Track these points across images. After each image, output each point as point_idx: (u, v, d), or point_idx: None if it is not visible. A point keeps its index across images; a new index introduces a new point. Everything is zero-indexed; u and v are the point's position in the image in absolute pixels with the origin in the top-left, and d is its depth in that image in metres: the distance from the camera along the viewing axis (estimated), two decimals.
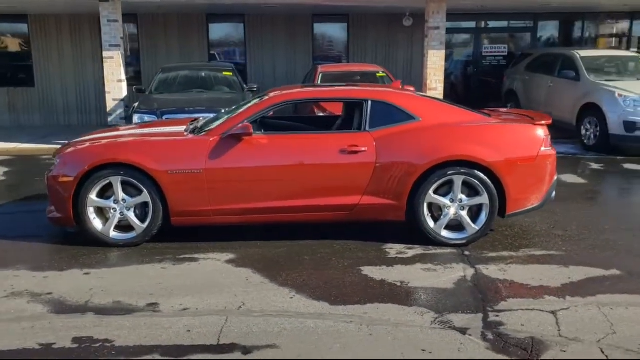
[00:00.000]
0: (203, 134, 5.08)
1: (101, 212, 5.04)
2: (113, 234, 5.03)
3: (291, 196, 4.99)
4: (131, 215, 5.00)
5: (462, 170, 4.91)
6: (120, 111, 10.41)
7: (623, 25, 15.21)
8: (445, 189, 5.01)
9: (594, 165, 8.72)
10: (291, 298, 3.98)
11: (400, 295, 4.04)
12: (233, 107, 5.97)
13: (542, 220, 5.70)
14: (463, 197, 4.98)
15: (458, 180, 4.94)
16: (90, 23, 13.28)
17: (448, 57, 14.80)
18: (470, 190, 5.01)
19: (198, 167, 4.91)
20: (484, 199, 4.96)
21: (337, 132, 5.18)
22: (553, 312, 3.73)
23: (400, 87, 7.45)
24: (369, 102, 5.12)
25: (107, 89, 10.40)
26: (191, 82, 9.81)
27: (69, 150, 5.16)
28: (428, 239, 5.03)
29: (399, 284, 4.23)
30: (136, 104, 8.72)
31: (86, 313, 3.75)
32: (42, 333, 3.47)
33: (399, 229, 5.35)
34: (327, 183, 4.98)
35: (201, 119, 5.97)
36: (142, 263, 4.68)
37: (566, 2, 12.39)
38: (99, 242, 5.02)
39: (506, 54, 14.90)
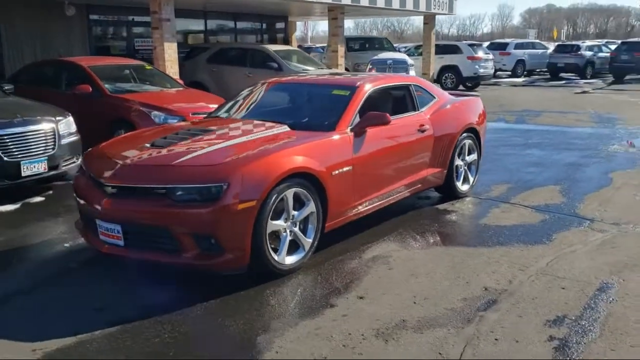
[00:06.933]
0: (332, 130, 4.65)
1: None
2: (287, 259, 4.12)
3: (401, 176, 5.28)
4: (298, 232, 4.21)
5: (471, 135, 6.22)
6: None
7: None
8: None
9: None
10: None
11: (550, 230, 5.16)
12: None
13: None
14: (467, 157, 6.30)
15: (467, 143, 6.22)
16: None
17: (106, 50, 14.14)
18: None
19: (350, 164, 4.57)
20: (476, 155, 6.41)
21: (405, 114, 5.54)
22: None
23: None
24: (412, 86, 5.75)
25: None
26: None
27: (236, 161, 3.85)
28: (453, 194, 6.13)
29: (528, 224, 5.37)
30: None
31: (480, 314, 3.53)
32: None
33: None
34: (417, 160, 5.46)
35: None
36: (362, 275, 4.17)
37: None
38: (270, 274, 4.03)
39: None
